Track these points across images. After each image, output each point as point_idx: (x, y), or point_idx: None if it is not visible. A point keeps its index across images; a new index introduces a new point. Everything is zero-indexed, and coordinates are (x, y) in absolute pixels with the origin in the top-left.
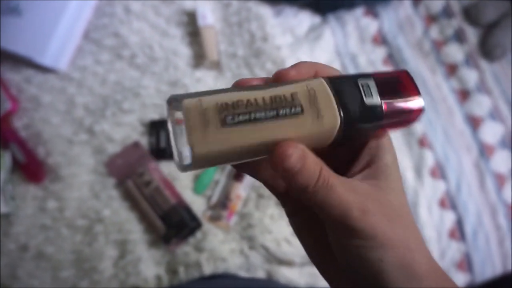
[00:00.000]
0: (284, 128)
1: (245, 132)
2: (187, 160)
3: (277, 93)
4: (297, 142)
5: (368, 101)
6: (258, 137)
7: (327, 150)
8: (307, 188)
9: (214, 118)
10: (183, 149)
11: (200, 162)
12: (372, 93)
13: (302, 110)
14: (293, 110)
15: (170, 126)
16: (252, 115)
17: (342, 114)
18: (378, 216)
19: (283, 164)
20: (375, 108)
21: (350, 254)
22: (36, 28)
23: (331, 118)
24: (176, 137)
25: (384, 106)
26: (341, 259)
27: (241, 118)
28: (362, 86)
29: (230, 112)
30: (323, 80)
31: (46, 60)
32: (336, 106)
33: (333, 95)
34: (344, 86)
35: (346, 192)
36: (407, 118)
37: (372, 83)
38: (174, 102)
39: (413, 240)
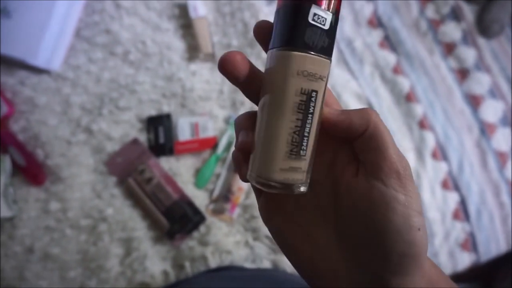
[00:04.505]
0: None
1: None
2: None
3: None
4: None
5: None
6: None
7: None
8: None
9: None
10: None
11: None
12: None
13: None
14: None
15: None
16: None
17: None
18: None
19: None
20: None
21: (375, 192)
22: (27, 29)
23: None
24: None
25: None
26: (357, 201)
27: (294, 150)
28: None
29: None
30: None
31: (39, 61)
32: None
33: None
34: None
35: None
36: None
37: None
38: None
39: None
